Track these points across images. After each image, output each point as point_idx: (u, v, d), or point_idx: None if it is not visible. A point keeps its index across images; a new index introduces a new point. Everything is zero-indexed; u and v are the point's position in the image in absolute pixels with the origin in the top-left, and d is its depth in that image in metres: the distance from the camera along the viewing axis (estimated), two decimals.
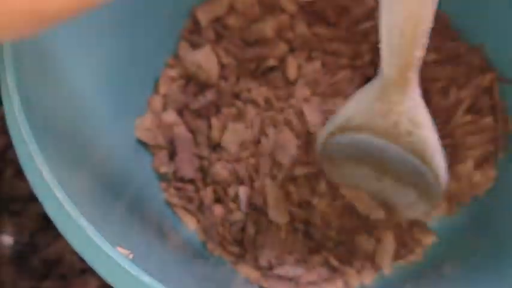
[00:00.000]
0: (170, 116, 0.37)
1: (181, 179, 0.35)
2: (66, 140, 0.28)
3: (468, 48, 0.38)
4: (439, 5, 0.24)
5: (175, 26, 0.39)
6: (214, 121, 0.36)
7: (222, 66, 0.37)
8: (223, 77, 0.37)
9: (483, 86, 0.37)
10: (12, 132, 0.23)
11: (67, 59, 0.30)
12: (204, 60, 0.36)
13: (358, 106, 0.30)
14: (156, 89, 0.38)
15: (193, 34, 0.38)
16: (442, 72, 0.37)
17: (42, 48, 0.28)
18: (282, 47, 0.37)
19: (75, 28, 0.29)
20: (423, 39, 0.25)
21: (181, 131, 0.36)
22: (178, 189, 0.35)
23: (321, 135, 0.33)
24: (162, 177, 0.36)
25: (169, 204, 0.35)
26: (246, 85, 0.37)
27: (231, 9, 0.39)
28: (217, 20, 0.39)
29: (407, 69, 0.27)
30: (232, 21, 0.38)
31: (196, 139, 0.36)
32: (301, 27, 0.38)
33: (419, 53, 0.26)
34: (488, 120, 0.36)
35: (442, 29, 0.39)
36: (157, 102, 0.37)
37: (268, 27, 0.37)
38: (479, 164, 0.36)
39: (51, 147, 0.24)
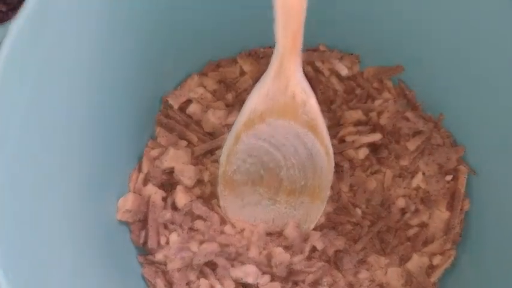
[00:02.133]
0: (150, 189, 0.40)
1: (151, 250, 0.39)
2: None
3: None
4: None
5: (153, 110, 0.43)
6: None
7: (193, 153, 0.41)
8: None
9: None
10: None
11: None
12: (176, 162, 0.40)
13: (259, 95, 0.34)
14: (139, 168, 0.41)
15: (167, 118, 0.42)
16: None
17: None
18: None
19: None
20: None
21: (157, 197, 0.39)
22: (151, 263, 0.38)
23: (227, 147, 0.37)
24: (140, 250, 0.39)
25: (144, 278, 0.38)
26: None
27: (194, 94, 0.43)
28: (185, 105, 0.42)
29: (298, 33, 0.31)
30: (192, 109, 0.42)
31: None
32: None
33: (304, 16, 0.30)
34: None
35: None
36: (139, 179, 0.41)
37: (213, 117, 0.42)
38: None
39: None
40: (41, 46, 0.31)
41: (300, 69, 0.33)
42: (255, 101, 0.34)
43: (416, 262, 0.39)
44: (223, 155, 0.37)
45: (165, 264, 0.38)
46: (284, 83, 0.33)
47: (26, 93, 0.30)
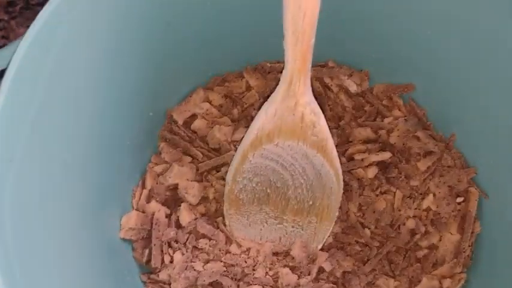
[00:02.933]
0: (154, 206, 0.39)
1: (155, 269, 0.38)
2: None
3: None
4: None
5: (156, 125, 0.42)
6: None
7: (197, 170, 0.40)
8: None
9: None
10: None
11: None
12: (180, 178, 0.40)
13: (267, 114, 0.33)
14: (142, 184, 0.40)
15: (171, 134, 0.41)
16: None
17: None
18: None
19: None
20: (316, 20, 0.29)
21: (161, 215, 0.38)
22: (154, 282, 0.37)
23: (233, 165, 0.36)
24: (143, 268, 0.38)
25: None
26: None
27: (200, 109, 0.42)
28: (190, 120, 0.41)
29: (308, 54, 0.30)
30: (197, 125, 0.41)
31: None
32: None
33: (313, 38, 0.30)
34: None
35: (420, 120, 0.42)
36: (143, 196, 0.39)
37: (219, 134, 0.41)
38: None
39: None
40: (47, 61, 0.30)
41: (309, 89, 0.33)
42: (263, 119, 0.34)
43: (425, 285, 0.38)
44: (230, 173, 0.37)
45: (169, 284, 0.37)
46: (293, 103, 0.33)
47: (34, 106, 0.29)
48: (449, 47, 0.38)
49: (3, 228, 0.26)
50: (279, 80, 0.33)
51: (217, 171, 0.40)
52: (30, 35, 0.29)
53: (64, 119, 0.32)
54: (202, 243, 0.38)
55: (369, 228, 0.39)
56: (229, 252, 0.38)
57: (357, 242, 0.39)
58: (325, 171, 0.36)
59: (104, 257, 0.36)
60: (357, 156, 0.41)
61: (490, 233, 0.39)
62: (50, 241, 0.31)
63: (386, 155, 0.40)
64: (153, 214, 0.39)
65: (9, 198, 0.27)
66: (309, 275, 0.38)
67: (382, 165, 0.41)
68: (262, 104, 0.35)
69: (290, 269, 0.38)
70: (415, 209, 0.40)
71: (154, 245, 0.38)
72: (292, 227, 0.38)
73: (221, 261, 0.38)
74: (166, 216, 0.39)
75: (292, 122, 0.33)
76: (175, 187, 0.39)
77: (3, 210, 0.27)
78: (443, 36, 0.38)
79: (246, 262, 0.38)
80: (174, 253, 0.38)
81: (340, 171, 0.36)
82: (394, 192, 0.40)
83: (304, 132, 0.34)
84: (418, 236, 0.39)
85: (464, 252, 0.38)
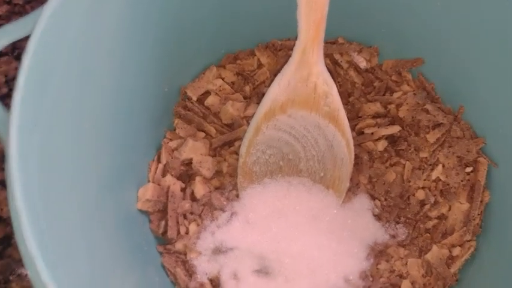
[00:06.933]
0: (169, 179, 0.40)
1: (171, 240, 0.38)
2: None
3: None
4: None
5: (171, 101, 0.43)
6: None
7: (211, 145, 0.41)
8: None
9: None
10: None
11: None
12: (194, 153, 0.40)
13: (279, 86, 0.34)
14: (158, 158, 0.41)
15: (186, 110, 0.42)
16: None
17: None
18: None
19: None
20: None
21: (176, 188, 0.39)
22: (170, 252, 0.38)
23: (247, 138, 0.37)
24: (159, 239, 0.39)
25: (163, 267, 0.38)
26: None
27: (213, 86, 0.42)
28: (203, 97, 0.42)
29: (322, 23, 0.31)
30: (210, 101, 0.42)
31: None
32: None
33: (327, 7, 0.31)
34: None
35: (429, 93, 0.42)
36: (158, 170, 0.40)
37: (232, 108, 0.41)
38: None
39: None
40: (66, 38, 0.31)
41: (322, 59, 0.33)
42: (276, 91, 0.35)
43: (435, 253, 0.38)
44: (243, 146, 0.37)
45: (185, 254, 0.38)
46: (306, 73, 0.33)
47: (53, 86, 0.30)
48: (458, 19, 0.39)
49: (32, 195, 0.27)
50: (289, 57, 0.34)
51: (230, 146, 0.41)
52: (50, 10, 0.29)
53: (81, 94, 0.33)
54: (217, 215, 0.39)
55: (379, 200, 0.40)
56: None
57: None
58: (336, 142, 0.36)
59: (121, 228, 0.37)
60: (367, 131, 0.41)
61: (499, 202, 0.39)
62: (70, 208, 0.31)
63: (395, 129, 0.41)
64: (168, 187, 0.39)
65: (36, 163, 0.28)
66: None
67: (392, 139, 0.41)
68: (273, 81, 0.36)
69: None
70: (425, 180, 0.40)
71: (170, 216, 0.39)
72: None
73: None
74: (181, 190, 0.40)
75: (305, 92, 0.34)
76: (189, 161, 0.40)
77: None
78: (451, 9, 0.39)
79: None
80: (189, 224, 0.39)
81: (351, 142, 0.37)
82: (404, 164, 0.40)
83: (316, 102, 0.35)
84: (427, 207, 0.40)
85: (474, 220, 0.39)
